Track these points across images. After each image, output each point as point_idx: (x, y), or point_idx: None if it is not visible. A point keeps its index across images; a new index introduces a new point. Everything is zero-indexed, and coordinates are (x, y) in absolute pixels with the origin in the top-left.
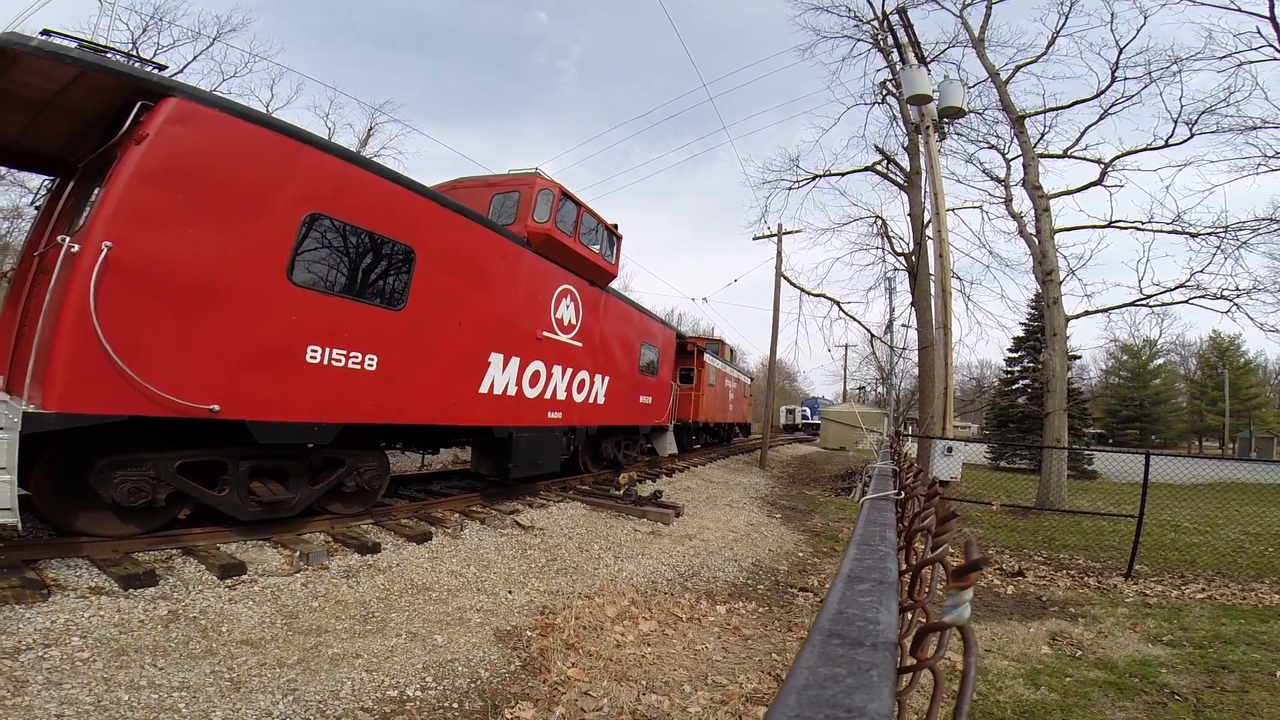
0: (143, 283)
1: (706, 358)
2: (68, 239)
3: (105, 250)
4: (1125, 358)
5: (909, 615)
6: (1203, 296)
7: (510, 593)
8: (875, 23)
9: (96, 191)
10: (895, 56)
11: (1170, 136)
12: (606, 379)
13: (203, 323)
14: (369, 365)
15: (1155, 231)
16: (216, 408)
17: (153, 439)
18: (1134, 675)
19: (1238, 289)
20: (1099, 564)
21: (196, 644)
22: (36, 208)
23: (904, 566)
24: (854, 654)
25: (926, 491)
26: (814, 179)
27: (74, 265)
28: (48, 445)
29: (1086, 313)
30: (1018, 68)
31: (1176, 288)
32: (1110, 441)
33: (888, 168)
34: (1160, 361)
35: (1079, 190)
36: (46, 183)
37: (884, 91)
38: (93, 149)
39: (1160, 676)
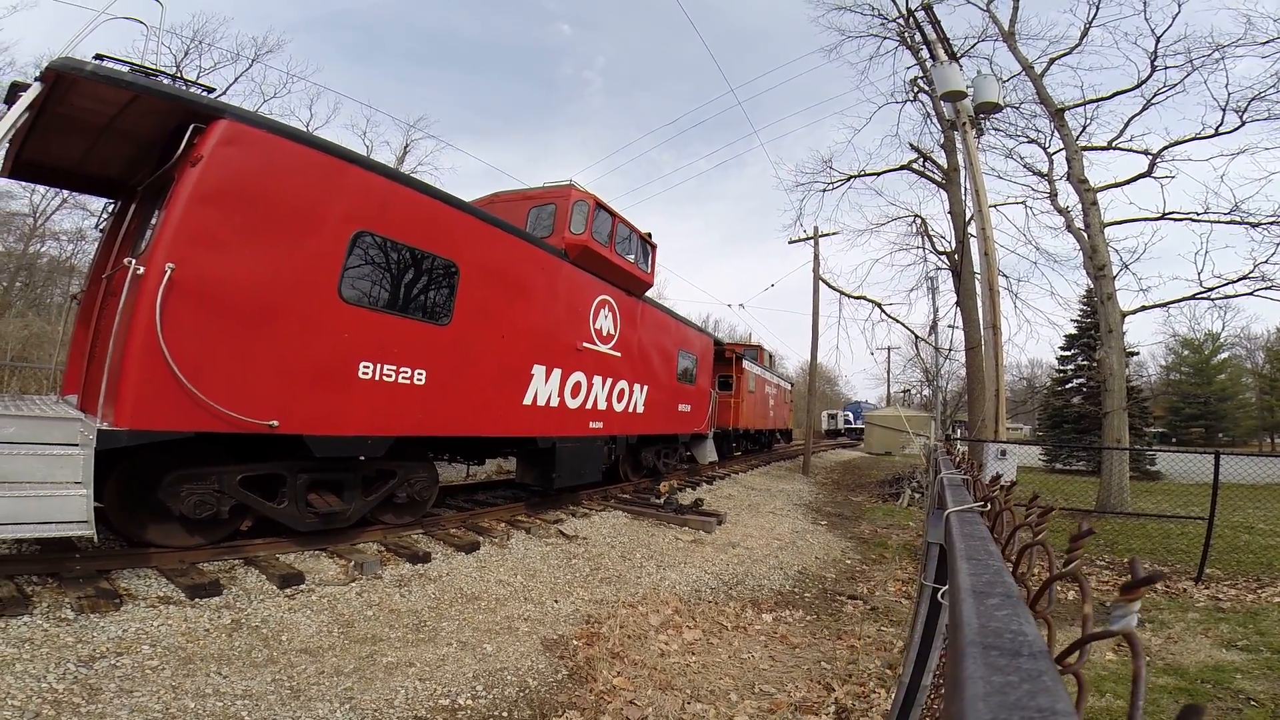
0: (204, 303)
1: (745, 364)
2: (133, 261)
3: (169, 271)
4: (1186, 353)
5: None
6: (1268, 288)
7: (556, 602)
8: (900, 20)
9: (157, 214)
10: (924, 53)
11: (1220, 125)
12: (645, 388)
13: (260, 341)
14: (418, 380)
15: (1212, 222)
16: (275, 423)
17: (217, 454)
18: (1206, 681)
19: None
20: (1166, 568)
21: (258, 652)
22: (100, 231)
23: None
24: (1018, 663)
25: (1032, 505)
26: (848, 180)
27: (140, 287)
28: (120, 460)
29: (1144, 308)
30: (1051, 60)
31: (1239, 279)
32: (1174, 441)
33: (924, 165)
34: (1225, 356)
35: (1127, 183)
36: (109, 206)
37: (915, 89)
38: (150, 172)
39: (1235, 682)
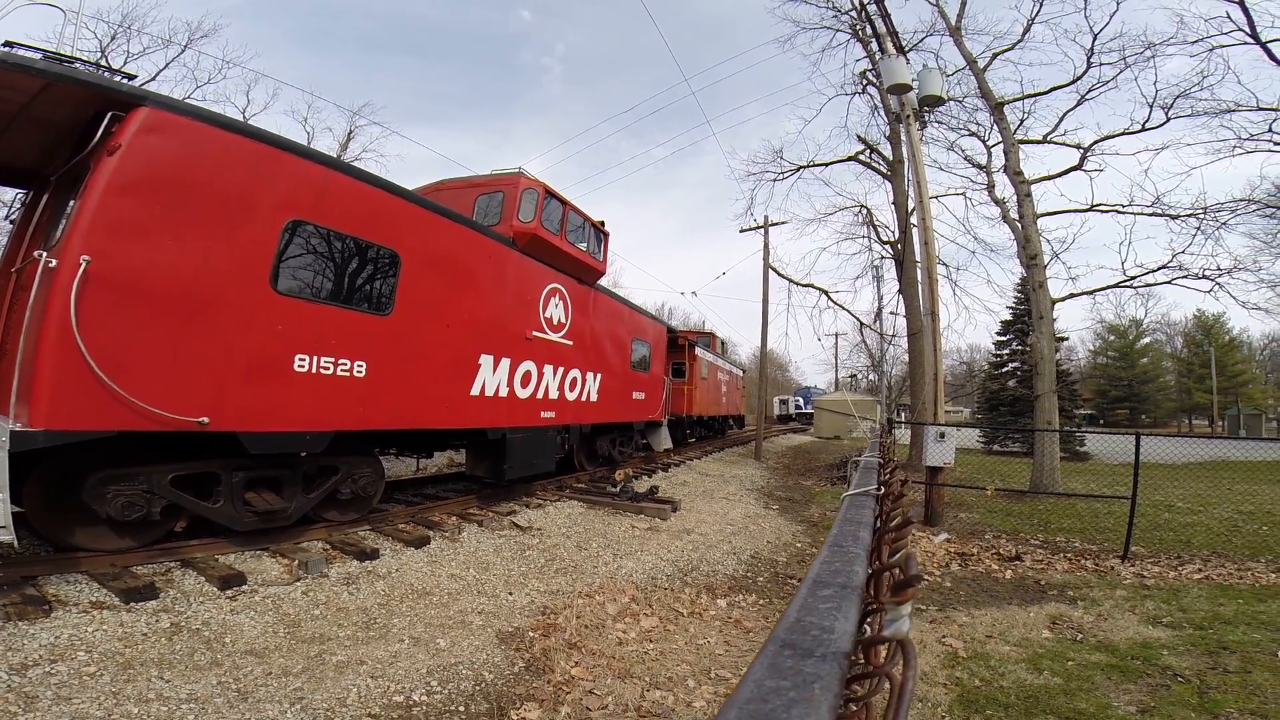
0: (124, 296)
1: (698, 351)
2: (44, 254)
3: (84, 264)
4: (1112, 338)
5: (877, 618)
6: (1185, 277)
7: (511, 594)
8: (853, 13)
9: (72, 205)
10: (874, 46)
11: (1147, 121)
12: (599, 376)
13: (187, 334)
14: (358, 372)
15: (1136, 214)
16: (206, 420)
17: (144, 452)
18: (1136, 658)
19: (1219, 269)
20: (1095, 546)
21: (201, 655)
22: (11, 222)
23: (877, 565)
24: (803, 665)
25: (896, 490)
26: (798, 170)
27: (53, 280)
28: (39, 462)
29: (1072, 295)
30: (995, 55)
31: (1159, 269)
32: (1101, 422)
33: (870, 157)
34: (1147, 341)
35: (1060, 175)
36: (20, 197)
37: (864, 82)
38: (65, 161)
39: (1162, 658)
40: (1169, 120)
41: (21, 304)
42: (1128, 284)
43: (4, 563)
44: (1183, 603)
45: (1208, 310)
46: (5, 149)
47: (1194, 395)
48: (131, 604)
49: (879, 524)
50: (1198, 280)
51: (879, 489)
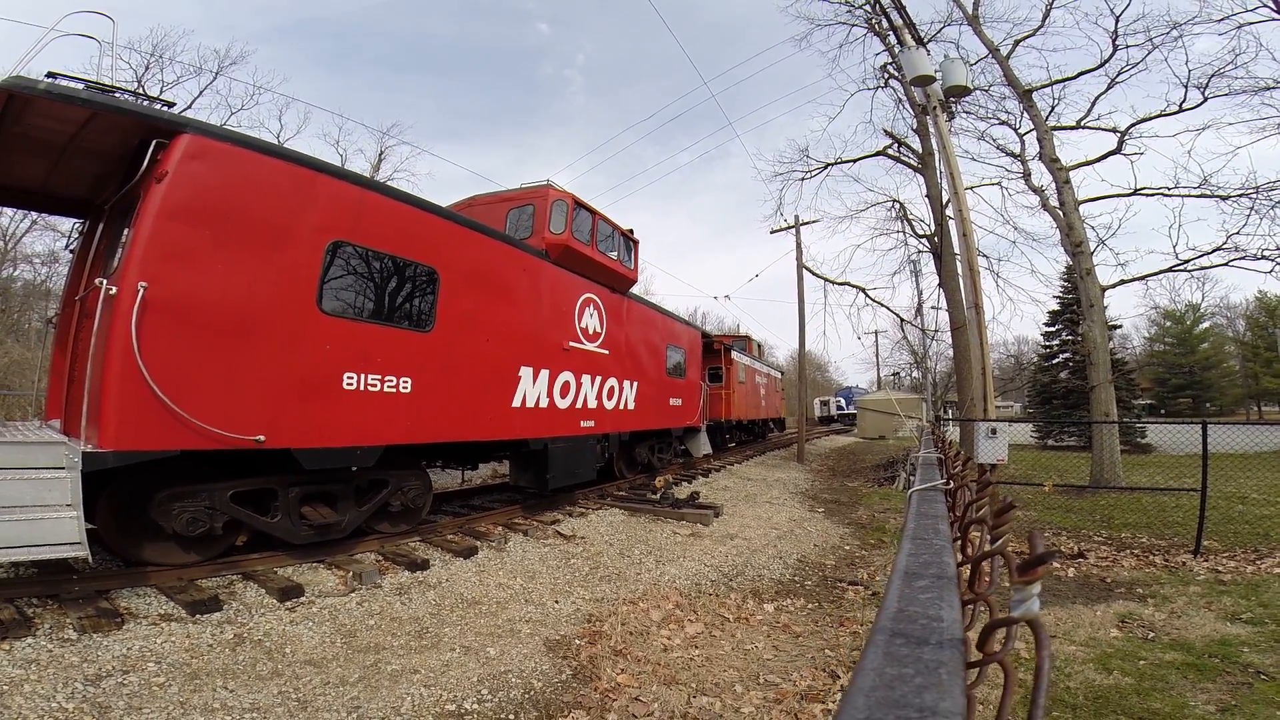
0: (181, 320)
1: (734, 355)
2: (105, 281)
3: (141, 290)
4: (1169, 324)
5: (971, 609)
6: (1242, 258)
7: (557, 602)
8: (868, 7)
9: (126, 232)
10: (892, 39)
11: (1183, 101)
12: (635, 384)
13: (241, 356)
14: (404, 387)
15: (1183, 197)
16: (262, 438)
17: (206, 470)
18: (1214, 655)
19: (1279, 248)
20: (1164, 541)
21: (263, 666)
22: (71, 251)
23: (960, 559)
24: (920, 653)
25: (978, 480)
26: (826, 168)
27: (114, 307)
28: (109, 481)
29: (1123, 281)
30: (1016, 42)
31: (1213, 251)
32: (1162, 412)
33: (899, 151)
34: (1206, 325)
35: (1098, 160)
36: (77, 226)
37: (886, 75)
38: (116, 190)
39: (1242, 656)
40: (1206, 100)
41: (86, 331)
42: (1181, 268)
43: (81, 577)
44: (1263, 598)
45: (1270, 291)
46: (58, 180)
47: (1261, 380)
48: (197, 616)
49: (952, 516)
50: (1256, 261)
51: (947, 482)
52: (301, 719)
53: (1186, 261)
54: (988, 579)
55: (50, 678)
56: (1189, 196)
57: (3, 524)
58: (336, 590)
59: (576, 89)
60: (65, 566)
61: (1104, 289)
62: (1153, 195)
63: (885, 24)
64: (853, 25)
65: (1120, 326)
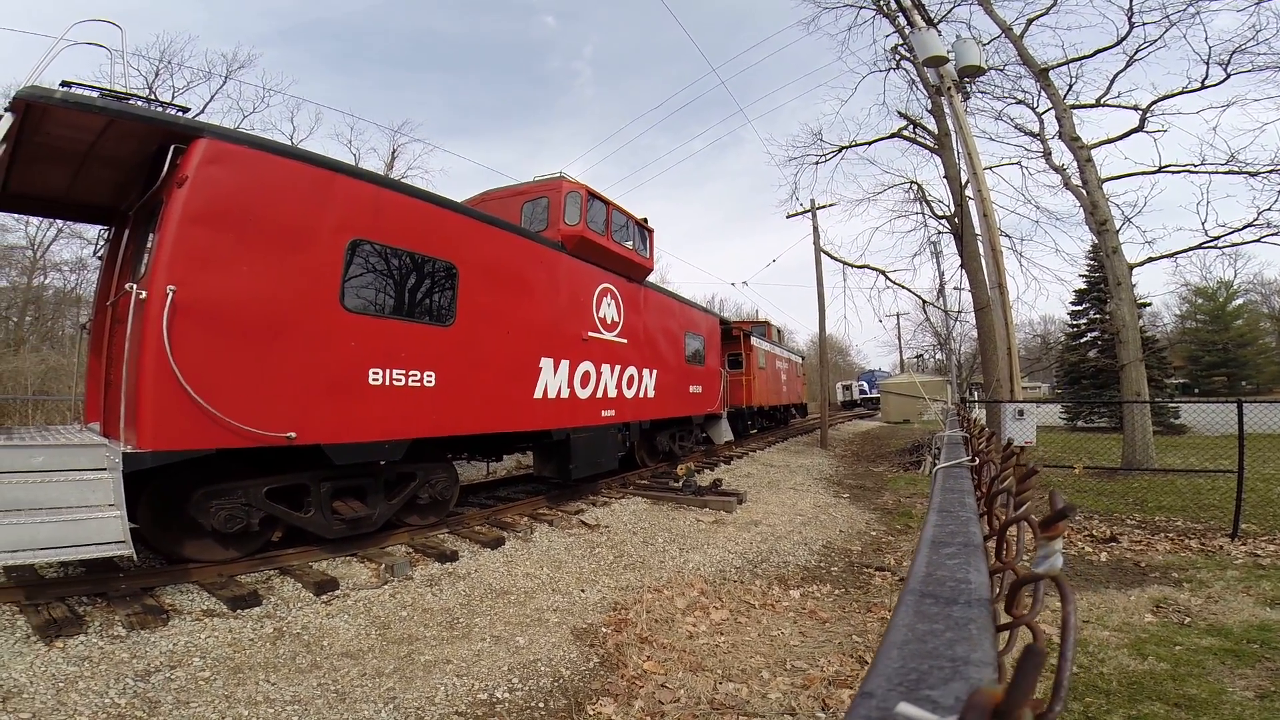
0: (210, 321)
1: (754, 341)
2: (134, 286)
3: (170, 294)
4: (1200, 301)
5: (1000, 579)
6: (1275, 234)
7: (583, 591)
8: None
9: (151, 237)
10: (901, 20)
11: (1205, 78)
12: (655, 372)
13: (269, 355)
14: (428, 381)
15: (1211, 173)
16: (293, 435)
17: (241, 468)
18: (1253, 641)
19: None
20: (1200, 525)
21: (302, 658)
22: (99, 258)
23: (986, 531)
24: (949, 611)
25: (1002, 453)
26: (840, 151)
27: (144, 311)
28: (149, 481)
29: (1151, 259)
30: (1029, 21)
31: (1244, 227)
32: (1196, 391)
33: (914, 132)
34: (1240, 302)
35: (1120, 138)
36: (103, 232)
37: (898, 57)
38: (139, 196)
39: None
40: (1230, 77)
41: (120, 336)
42: (1211, 245)
43: (126, 575)
44: None
45: None
46: (81, 188)
47: None
48: (238, 611)
49: (979, 493)
50: None
51: (973, 459)
52: (340, 710)
53: (1217, 238)
54: (1014, 549)
55: (103, 674)
56: (1216, 173)
57: (50, 525)
58: (370, 583)
59: (585, 81)
60: (111, 565)
61: (1131, 267)
62: (1179, 173)
63: (894, 4)
64: (860, 7)
65: (1150, 304)
